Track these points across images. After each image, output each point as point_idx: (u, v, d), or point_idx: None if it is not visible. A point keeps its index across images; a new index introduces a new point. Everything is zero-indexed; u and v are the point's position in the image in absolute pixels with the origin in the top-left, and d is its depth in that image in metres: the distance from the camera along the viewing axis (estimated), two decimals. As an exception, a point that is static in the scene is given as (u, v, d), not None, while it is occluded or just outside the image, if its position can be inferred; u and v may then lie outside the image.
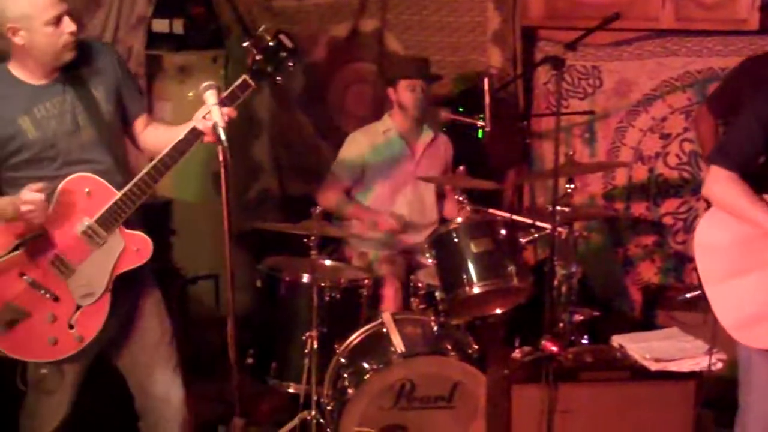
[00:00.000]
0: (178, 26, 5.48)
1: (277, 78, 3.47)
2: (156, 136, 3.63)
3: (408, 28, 5.62)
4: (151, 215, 4.08)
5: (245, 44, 3.45)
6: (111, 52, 3.62)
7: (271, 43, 3.42)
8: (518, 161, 5.54)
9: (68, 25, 3.28)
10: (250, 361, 4.44)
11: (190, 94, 5.56)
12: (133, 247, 3.44)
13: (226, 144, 3.01)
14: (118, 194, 3.38)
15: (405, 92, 4.87)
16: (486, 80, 4.91)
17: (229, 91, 3.38)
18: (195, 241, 5.38)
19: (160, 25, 5.46)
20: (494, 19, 5.42)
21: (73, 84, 3.42)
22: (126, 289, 3.52)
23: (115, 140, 3.55)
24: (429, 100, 4.96)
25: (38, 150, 3.36)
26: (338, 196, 4.93)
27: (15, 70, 3.38)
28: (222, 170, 3.03)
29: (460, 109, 5.09)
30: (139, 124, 3.65)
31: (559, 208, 4.16)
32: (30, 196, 3.23)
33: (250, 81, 3.41)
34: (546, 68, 5.38)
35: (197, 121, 3.35)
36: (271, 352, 4.42)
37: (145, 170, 3.39)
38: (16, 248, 3.36)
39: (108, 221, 3.38)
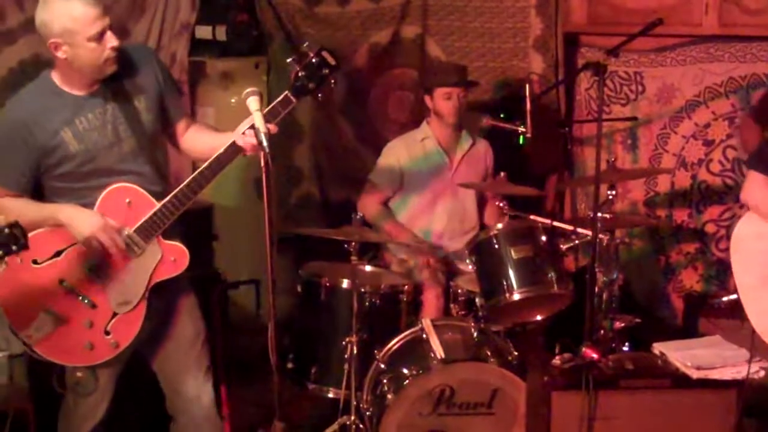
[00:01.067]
0: (221, 33, 5.52)
1: (319, 95, 3.47)
2: (197, 139, 3.68)
3: (449, 34, 5.62)
4: (193, 220, 4.12)
5: (289, 60, 3.46)
6: (151, 57, 3.64)
7: (314, 60, 3.42)
8: (559, 167, 5.52)
9: (111, 40, 3.30)
10: (289, 365, 4.45)
11: (233, 100, 5.59)
12: (171, 258, 3.49)
13: (268, 150, 3.03)
14: (158, 205, 3.42)
15: (441, 100, 4.86)
16: (527, 86, 4.90)
17: (270, 107, 3.40)
18: (235, 246, 5.41)
19: (204, 32, 5.51)
20: (536, 25, 5.41)
21: (114, 95, 3.44)
22: (161, 292, 3.56)
23: (156, 150, 3.58)
24: (467, 107, 4.93)
25: (79, 162, 3.40)
26: (378, 207, 4.92)
27: (58, 79, 3.41)
28: (264, 176, 3.05)
29: (501, 116, 5.08)
30: (181, 127, 3.69)
31: (600, 214, 4.13)
32: (112, 233, 3.32)
33: (292, 97, 3.43)
34: (588, 74, 5.37)
35: (238, 137, 3.38)
36: (310, 356, 4.42)
37: (185, 182, 3.42)
38: (56, 255, 3.41)
39: (147, 231, 3.43)
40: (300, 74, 3.42)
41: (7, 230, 3.00)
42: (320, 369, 4.38)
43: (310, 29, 5.61)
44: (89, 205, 3.40)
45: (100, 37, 3.27)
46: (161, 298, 3.59)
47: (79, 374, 3.55)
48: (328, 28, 5.64)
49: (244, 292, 5.29)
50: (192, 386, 3.73)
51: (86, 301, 3.43)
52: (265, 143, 3.04)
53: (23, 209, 3.38)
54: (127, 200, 3.42)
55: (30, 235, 3.31)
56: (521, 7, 5.46)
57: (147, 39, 5.16)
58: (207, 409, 3.76)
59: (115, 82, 3.44)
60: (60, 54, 3.29)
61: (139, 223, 3.42)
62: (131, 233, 3.42)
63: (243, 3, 5.62)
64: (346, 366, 4.19)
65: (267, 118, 3.25)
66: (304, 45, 3.47)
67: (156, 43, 5.24)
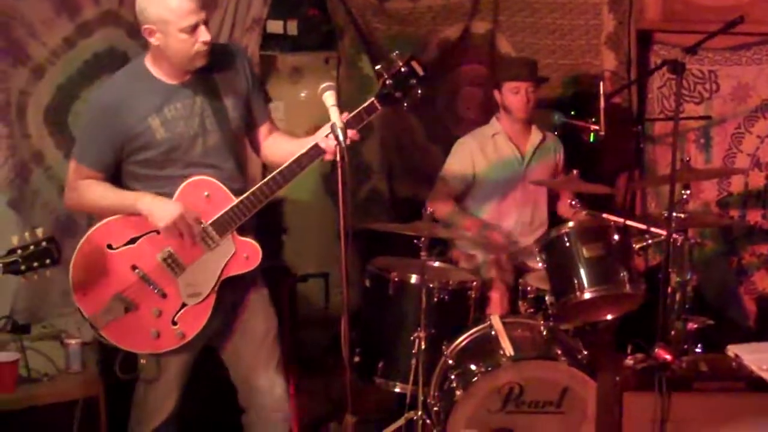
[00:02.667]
0: (292, 27, 5.55)
1: (405, 104, 3.47)
2: (278, 146, 3.71)
3: (520, 30, 5.58)
4: (264, 213, 4.14)
5: (377, 67, 3.48)
6: (243, 58, 3.67)
7: (402, 69, 3.43)
8: (630, 166, 5.46)
9: (203, 35, 3.35)
10: (356, 359, 4.46)
11: (302, 94, 5.63)
12: (243, 254, 3.51)
13: (344, 145, 3.04)
14: (236, 201, 3.46)
15: (509, 95, 4.84)
16: (601, 84, 4.85)
17: (355, 113, 3.42)
18: (304, 239, 5.44)
19: (275, 26, 5.53)
20: (609, 22, 5.35)
21: (204, 88, 3.49)
22: (233, 286, 3.59)
23: (238, 147, 3.62)
24: (537, 104, 4.90)
25: (164, 150, 3.45)
26: (450, 205, 4.89)
27: (151, 65, 3.47)
28: (339, 171, 3.04)
29: (572, 113, 5.04)
30: (263, 131, 3.72)
31: (674, 214, 4.08)
32: (191, 222, 3.39)
33: (378, 105, 3.44)
34: (661, 72, 5.29)
35: (321, 140, 3.39)
36: (377, 351, 4.44)
37: (264, 180, 3.46)
38: (131, 241, 3.47)
39: (222, 226, 3.46)
40: (388, 82, 3.44)
41: (44, 244, 3.10)
42: (387, 363, 4.39)
43: (381, 24, 5.61)
44: (167, 195, 3.44)
45: (192, 30, 3.32)
46: (233, 292, 3.62)
47: (142, 360, 3.60)
48: (399, 24, 5.63)
49: (311, 286, 5.32)
50: (264, 379, 3.76)
51: (157, 290, 3.48)
52: (341, 138, 3.05)
53: (105, 194, 3.47)
54: (206, 193, 3.46)
55: (107, 220, 3.45)
56: (594, 3, 5.39)
57: (219, 33, 5.19)
58: (279, 401, 3.78)
59: (206, 76, 3.49)
60: (153, 40, 3.36)
61: (216, 216, 3.46)
62: (207, 226, 3.46)
63: (314, -2, 5.64)
64: (413, 361, 4.20)
65: (350, 124, 3.28)
66: (395, 53, 3.47)
67: (228, 38, 5.27)
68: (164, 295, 3.49)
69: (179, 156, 3.47)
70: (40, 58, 4.52)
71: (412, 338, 4.19)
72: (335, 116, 3.13)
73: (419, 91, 3.46)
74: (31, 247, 3.13)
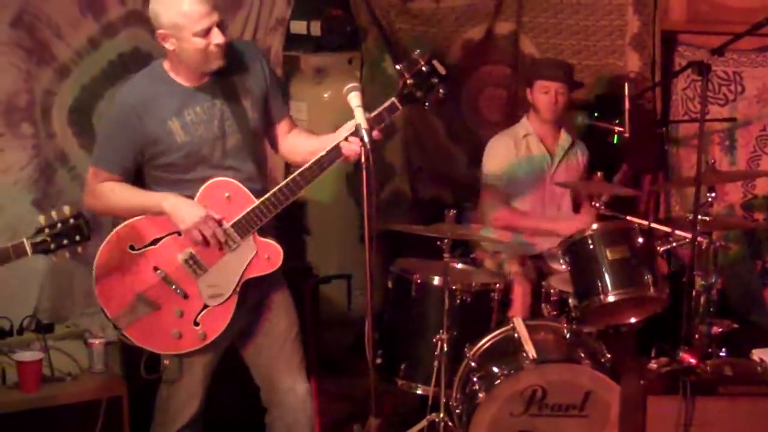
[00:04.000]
0: (316, 28, 5.56)
1: (426, 104, 3.44)
2: (297, 143, 3.69)
3: (543, 31, 5.57)
4: (287, 214, 4.14)
5: (398, 67, 3.43)
6: (259, 56, 3.65)
7: (424, 68, 3.38)
8: (654, 168, 5.43)
9: (216, 37, 3.33)
10: (378, 361, 4.45)
11: (326, 94, 5.63)
12: (264, 255, 3.50)
13: (369, 147, 3.03)
14: (256, 202, 3.44)
15: (539, 93, 4.81)
16: (627, 85, 4.83)
17: (376, 112, 3.38)
18: (327, 240, 5.45)
19: (298, 27, 5.55)
20: (633, 23, 5.31)
21: (222, 90, 3.48)
22: (255, 287, 3.59)
23: (258, 148, 3.62)
24: (566, 105, 4.87)
25: (184, 154, 3.45)
26: (512, 210, 4.84)
27: (168, 69, 3.48)
28: (364, 172, 3.04)
29: (596, 114, 5.02)
30: (282, 128, 3.70)
31: (699, 217, 4.06)
32: (213, 225, 3.38)
33: (398, 105, 3.41)
34: (685, 73, 5.26)
35: (342, 143, 3.38)
36: (400, 352, 4.43)
37: (284, 181, 3.45)
38: (153, 242, 3.47)
39: (243, 227, 3.45)
40: (409, 82, 3.39)
41: (72, 221, 3.07)
42: (409, 365, 4.38)
43: (404, 25, 5.62)
44: (189, 198, 3.44)
45: (206, 34, 3.31)
46: (254, 293, 3.62)
47: (165, 361, 3.61)
48: (422, 24, 5.64)
49: (334, 287, 5.32)
50: (287, 378, 3.75)
51: (178, 291, 3.48)
52: (366, 139, 3.05)
53: (128, 195, 3.47)
54: (227, 194, 3.45)
55: (130, 221, 3.45)
56: (618, 4, 5.36)
57: (243, 33, 5.22)
58: (302, 401, 3.77)
59: (224, 77, 3.48)
60: (167, 45, 3.36)
61: (237, 218, 3.45)
62: (228, 227, 3.45)
63: (338, -2, 5.65)
64: (435, 363, 4.18)
65: (371, 124, 3.24)
66: (416, 53, 3.43)
67: (251, 38, 5.29)
68: (186, 296, 3.49)
69: (200, 159, 3.47)
70: (65, 58, 4.55)
71: (434, 340, 4.18)
72: (360, 117, 3.13)
73: (441, 91, 3.41)
74: (59, 225, 3.08)
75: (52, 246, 3.08)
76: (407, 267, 4.52)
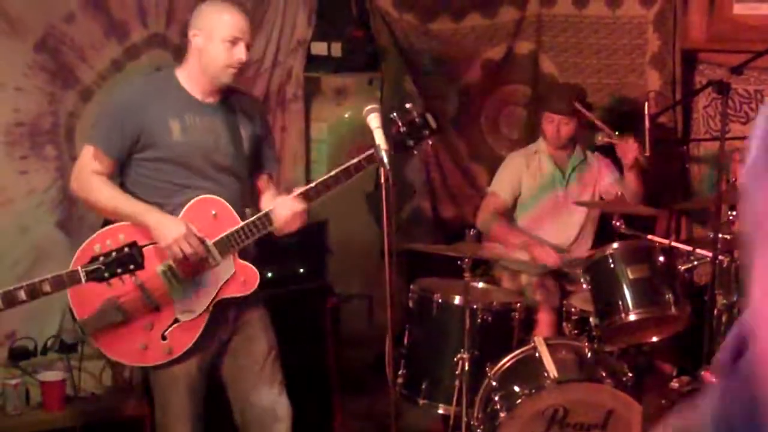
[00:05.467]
0: (337, 49, 5.59)
1: (414, 151, 3.71)
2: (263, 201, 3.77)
3: (563, 50, 5.58)
4: (308, 234, 4.18)
5: (392, 115, 3.56)
6: (262, 108, 3.88)
7: (417, 120, 3.57)
8: (675, 186, 5.42)
9: (240, 51, 3.48)
10: (400, 380, 4.47)
11: (347, 114, 5.65)
12: (241, 278, 3.54)
13: (389, 167, 3.06)
14: (241, 223, 3.49)
15: (546, 123, 4.91)
16: (646, 104, 4.84)
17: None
18: (347, 259, 5.45)
19: (319, 48, 5.58)
20: (653, 42, 5.31)
21: (224, 113, 3.60)
22: (230, 306, 3.61)
23: (246, 175, 3.68)
24: (573, 133, 4.92)
25: (176, 154, 3.50)
26: (490, 212, 4.90)
27: (180, 76, 3.57)
28: (383, 192, 3.07)
29: (616, 133, 5.01)
30: (264, 179, 3.80)
31: (720, 235, 4.05)
32: (194, 242, 3.39)
33: (390, 150, 3.32)
34: (706, 92, 5.25)
35: (272, 209, 3.52)
36: (421, 372, 4.43)
37: (267, 208, 3.53)
38: None
39: (225, 246, 3.49)
40: (402, 130, 3.56)
41: (126, 249, 3.10)
42: (431, 384, 4.38)
43: (424, 45, 5.63)
44: (168, 205, 3.48)
45: (233, 44, 3.48)
46: (229, 311, 3.63)
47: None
48: (442, 45, 5.65)
49: (355, 306, 5.33)
50: (266, 398, 3.73)
51: (151, 302, 3.46)
52: (386, 160, 3.07)
53: (117, 197, 3.49)
54: (213, 212, 3.50)
55: (111, 227, 3.45)
56: (638, 23, 5.37)
57: (264, 54, 5.25)
58: (282, 422, 3.75)
59: (228, 105, 3.61)
60: (195, 42, 3.51)
61: (220, 236, 3.48)
62: (210, 244, 3.48)
63: (358, 20, 5.67)
64: (457, 382, 4.18)
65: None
66: (409, 105, 3.62)
67: (273, 59, 5.33)
68: (158, 308, 3.47)
69: (189, 164, 3.52)
70: (89, 80, 4.60)
71: (455, 359, 4.18)
72: (380, 139, 3.16)
73: (429, 143, 3.66)
74: (114, 254, 3.09)
75: (106, 274, 3.08)
76: (428, 286, 4.53)
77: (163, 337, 3.49)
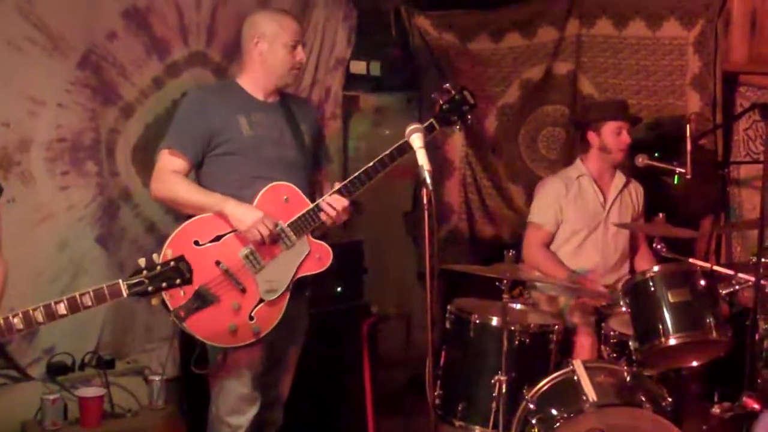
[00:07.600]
0: (376, 68, 5.63)
1: (457, 126, 4.01)
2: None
3: (602, 71, 5.55)
4: (344, 254, 4.21)
5: (433, 95, 3.94)
6: (314, 109, 4.15)
7: (456, 96, 3.97)
8: (714, 209, 5.37)
9: (300, 53, 3.87)
10: (436, 401, 4.44)
11: (387, 132, 5.67)
12: (316, 255, 3.80)
13: (431, 188, 3.06)
14: (311, 205, 3.76)
15: (610, 135, 4.82)
16: (688, 126, 4.80)
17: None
18: (385, 279, 5.45)
19: (358, 67, 5.61)
20: (694, 63, 5.28)
21: (284, 112, 3.91)
22: (307, 284, 3.88)
23: (308, 167, 3.95)
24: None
25: (246, 146, 3.76)
26: (543, 251, 4.84)
27: (242, 83, 3.86)
28: (425, 213, 3.09)
29: (656, 154, 4.98)
30: (321, 174, 4.10)
31: (763, 259, 4.00)
32: (270, 224, 3.63)
33: (436, 125, 3.93)
34: (747, 114, 5.21)
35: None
36: (457, 393, 4.40)
37: (335, 188, 3.77)
38: (216, 239, 3.67)
39: (299, 227, 3.75)
40: (444, 106, 3.95)
41: (172, 263, 3.11)
42: (467, 406, 4.35)
43: (463, 65, 5.64)
44: (242, 196, 3.70)
45: (293, 48, 3.84)
46: (305, 290, 3.91)
47: (219, 356, 3.73)
48: (481, 65, 5.65)
49: (392, 326, 5.32)
50: (282, 385, 4.06)
51: (237, 285, 3.65)
52: (429, 180, 3.07)
53: (194, 190, 3.76)
54: (285, 197, 3.78)
55: (195, 218, 3.69)
56: (679, 44, 5.34)
57: (303, 72, 5.27)
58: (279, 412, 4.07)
59: (286, 105, 3.92)
60: (259, 47, 3.82)
61: (293, 218, 3.73)
62: (284, 227, 3.72)
63: (398, 39, 5.69)
64: (494, 404, 4.16)
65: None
66: (447, 84, 4.02)
67: (312, 77, 5.35)
68: (244, 290, 3.67)
69: (261, 156, 3.78)
70: (130, 97, 4.63)
71: (492, 381, 4.16)
72: (423, 159, 3.15)
73: (470, 117, 4.01)
74: (158, 267, 3.08)
75: (150, 288, 3.07)
76: (465, 307, 4.51)
77: (251, 317, 3.67)
